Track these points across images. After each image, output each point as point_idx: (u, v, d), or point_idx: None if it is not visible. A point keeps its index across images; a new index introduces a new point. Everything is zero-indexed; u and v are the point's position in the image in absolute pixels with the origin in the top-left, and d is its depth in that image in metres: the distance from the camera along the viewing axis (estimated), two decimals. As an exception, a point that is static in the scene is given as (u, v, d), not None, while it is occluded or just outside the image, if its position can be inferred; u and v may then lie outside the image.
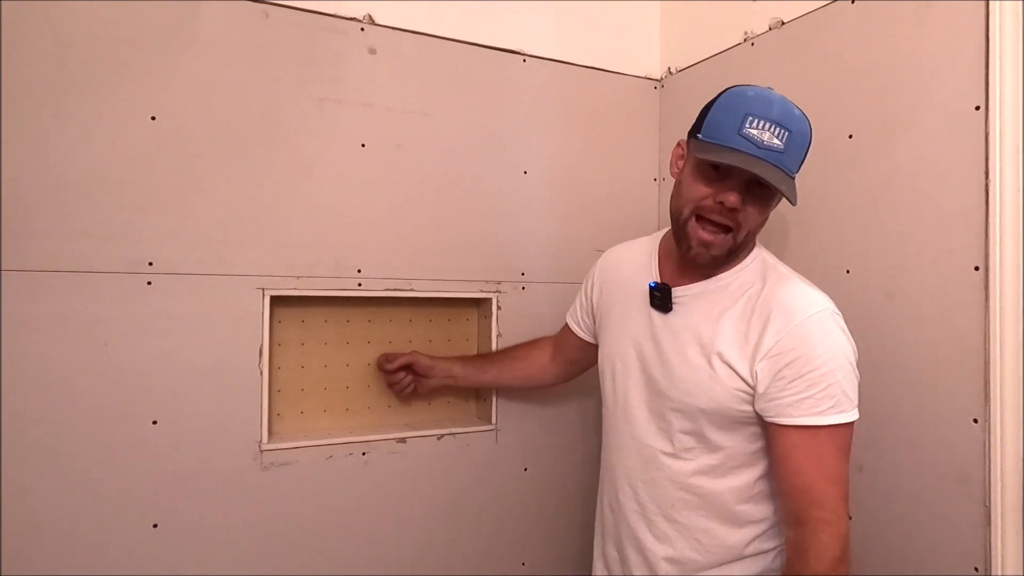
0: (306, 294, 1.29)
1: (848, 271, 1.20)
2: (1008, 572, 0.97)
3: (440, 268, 1.40)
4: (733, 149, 0.91)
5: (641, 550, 1.09)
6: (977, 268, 1.01)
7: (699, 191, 0.96)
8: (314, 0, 1.28)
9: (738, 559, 1.03)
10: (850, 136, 1.20)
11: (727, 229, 0.96)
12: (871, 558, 1.15)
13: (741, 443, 1.01)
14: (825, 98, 1.24)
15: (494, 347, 1.46)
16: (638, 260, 1.16)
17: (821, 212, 1.25)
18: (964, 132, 1.02)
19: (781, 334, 0.94)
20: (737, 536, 1.03)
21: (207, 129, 1.21)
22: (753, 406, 0.98)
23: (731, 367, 0.98)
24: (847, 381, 0.94)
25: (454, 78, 1.42)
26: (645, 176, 1.63)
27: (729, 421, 1.00)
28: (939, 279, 1.06)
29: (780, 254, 1.32)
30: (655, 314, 1.07)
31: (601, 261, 1.27)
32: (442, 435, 1.41)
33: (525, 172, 1.49)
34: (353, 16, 1.32)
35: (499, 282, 1.46)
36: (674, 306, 1.05)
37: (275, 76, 1.26)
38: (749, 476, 1.02)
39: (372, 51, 1.34)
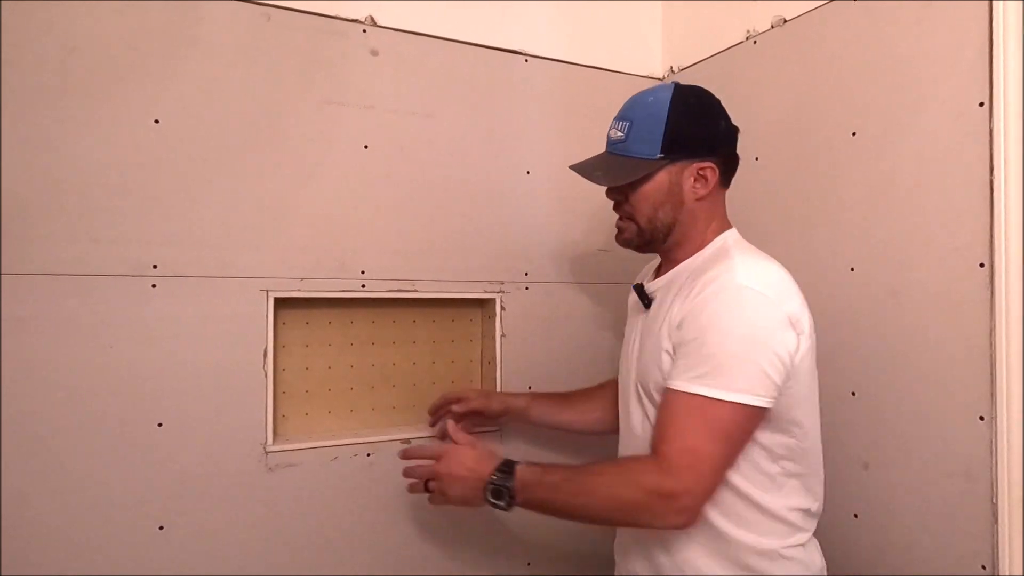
0: (310, 296, 1.29)
1: (853, 269, 1.19)
2: (1015, 570, 0.97)
3: (443, 269, 1.40)
4: (578, 162, 1.08)
5: (638, 540, 1.08)
6: (982, 265, 1.00)
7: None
8: (316, 1, 1.29)
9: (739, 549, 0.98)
10: (853, 134, 1.19)
11: (630, 219, 1.06)
12: (878, 556, 1.15)
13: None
14: (828, 96, 1.24)
15: (498, 348, 1.46)
16: (646, 269, 1.21)
17: (825, 210, 1.24)
18: (968, 129, 1.02)
19: (689, 306, 0.94)
20: (725, 522, 0.98)
21: (210, 132, 1.21)
22: None
23: (668, 351, 0.97)
24: (733, 357, 0.89)
25: (456, 79, 1.42)
26: (648, 175, 1.63)
27: None
28: (944, 276, 1.05)
29: (784, 252, 1.31)
30: (642, 315, 1.10)
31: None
32: (446, 436, 1.41)
33: (528, 172, 1.49)
34: (355, 18, 1.33)
35: (502, 282, 1.46)
36: (651, 302, 1.08)
37: (277, 79, 1.26)
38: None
39: (374, 53, 1.34)
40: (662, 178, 1.02)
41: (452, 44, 1.42)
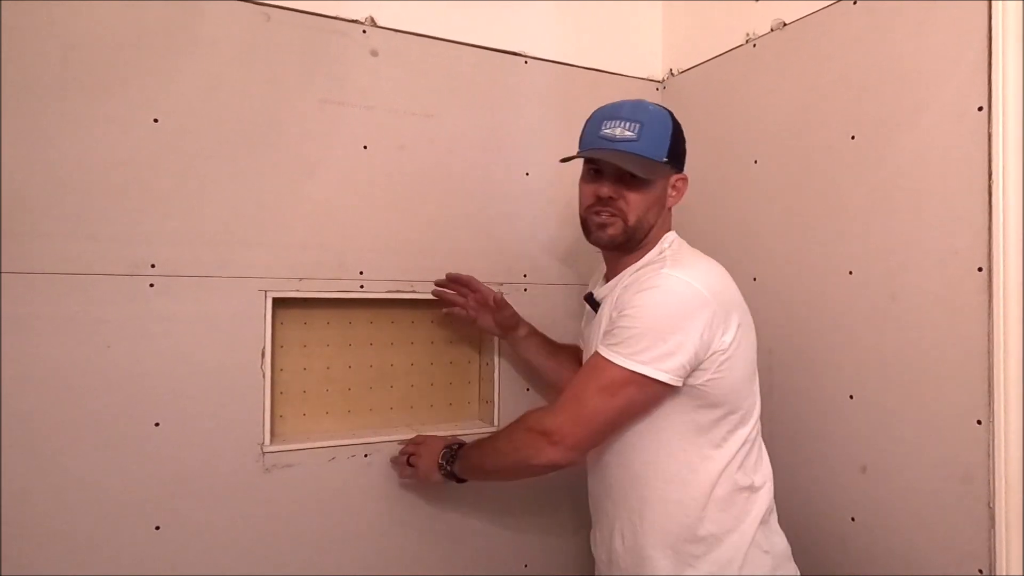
0: (308, 296, 1.29)
1: (851, 272, 1.20)
2: (1012, 573, 0.97)
3: (443, 270, 1.40)
4: (593, 149, 1.08)
5: (599, 529, 1.17)
6: (981, 269, 1.00)
7: (585, 191, 1.12)
8: (316, 1, 1.29)
9: (689, 541, 1.03)
10: (852, 137, 1.20)
11: (618, 215, 1.08)
12: (875, 559, 1.15)
13: (654, 419, 1.03)
14: (827, 99, 1.24)
15: (496, 349, 1.46)
16: (597, 273, 1.26)
17: (824, 213, 1.25)
18: (967, 133, 1.02)
19: (625, 295, 1.03)
20: (674, 518, 1.03)
21: (209, 131, 1.21)
22: None
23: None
24: (644, 332, 0.96)
25: (456, 80, 1.42)
26: (647, 177, 1.63)
27: None
28: (943, 280, 1.06)
29: (783, 255, 1.32)
30: (593, 317, 1.16)
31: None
32: (445, 437, 1.41)
33: (527, 173, 1.49)
34: (355, 18, 1.33)
35: (501, 283, 1.46)
36: (599, 305, 1.14)
37: (277, 78, 1.26)
38: (661, 435, 1.04)
39: (374, 53, 1.34)
40: (660, 183, 1.09)
41: (452, 45, 1.42)
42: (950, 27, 1.05)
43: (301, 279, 1.28)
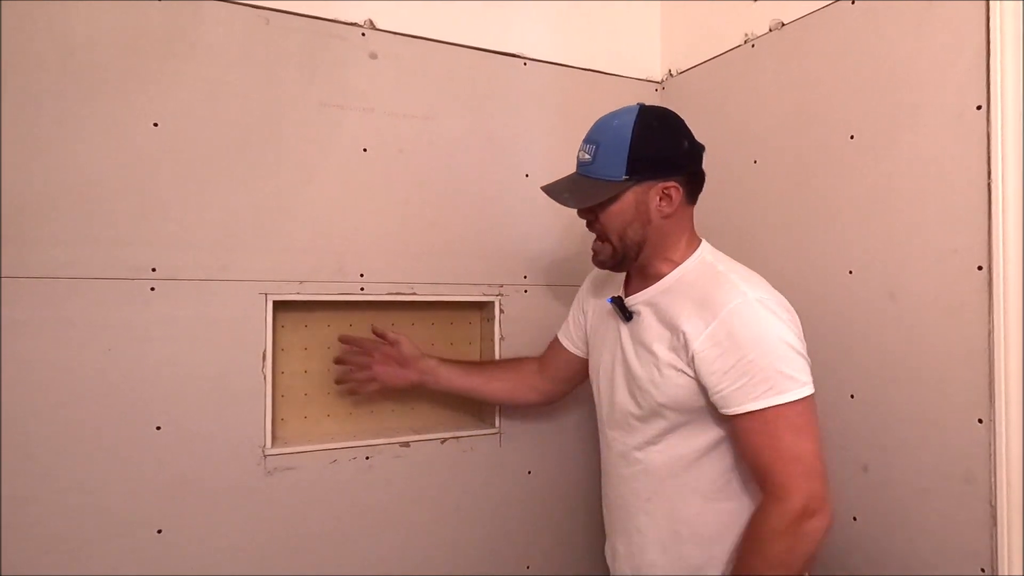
0: (309, 299, 1.29)
1: (851, 272, 1.19)
2: (1014, 572, 0.97)
3: (442, 272, 1.40)
4: (545, 184, 1.12)
5: (628, 544, 1.14)
6: (980, 268, 1.00)
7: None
8: (315, 2, 1.29)
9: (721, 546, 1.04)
10: (851, 137, 1.20)
11: (603, 239, 1.09)
12: (876, 558, 1.15)
13: (706, 431, 1.04)
14: (826, 99, 1.24)
15: (497, 350, 1.46)
16: (612, 279, 1.23)
17: (823, 213, 1.25)
18: (966, 132, 1.02)
19: (707, 329, 0.98)
20: (714, 527, 1.05)
21: (209, 135, 1.21)
22: (707, 396, 1.01)
23: (673, 365, 1.02)
24: (781, 362, 0.95)
25: (455, 82, 1.42)
26: (647, 178, 1.63)
27: (690, 411, 1.04)
28: (942, 279, 1.06)
29: (783, 255, 1.32)
30: (621, 325, 1.13)
31: (586, 282, 1.33)
32: (445, 439, 1.41)
33: (527, 175, 1.49)
34: (354, 21, 1.33)
35: (501, 285, 1.46)
36: (632, 314, 1.11)
37: (276, 82, 1.26)
38: (719, 464, 1.05)
39: (373, 56, 1.34)
40: (628, 198, 1.05)
41: (451, 47, 1.42)
42: (948, 26, 1.05)
43: (302, 282, 1.28)
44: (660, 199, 1.05)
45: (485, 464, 1.44)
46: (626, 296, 1.14)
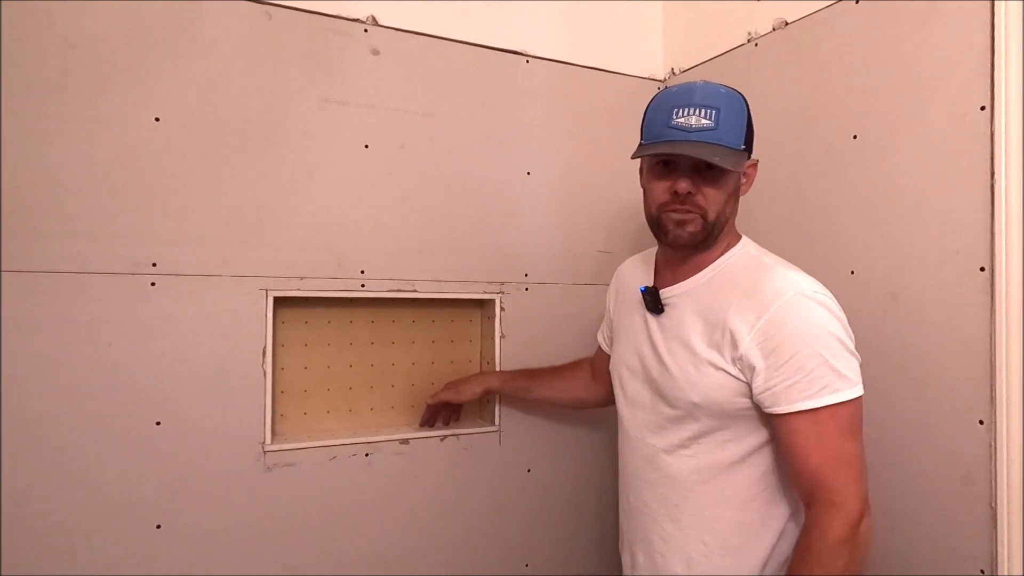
0: (309, 295, 1.29)
1: (853, 272, 1.19)
2: (1014, 573, 0.97)
3: (443, 269, 1.40)
4: (666, 141, 0.97)
5: (649, 552, 1.09)
6: (983, 269, 1.00)
7: (656, 188, 1.02)
8: (317, 0, 1.28)
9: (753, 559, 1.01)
10: (855, 137, 1.19)
11: (699, 210, 1.00)
12: (877, 559, 1.15)
13: (740, 438, 1.00)
14: (829, 99, 1.24)
15: (497, 349, 1.46)
16: (639, 269, 1.19)
17: (826, 213, 1.24)
18: (969, 132, 1.02)
19: (760, 323, 0.94)
20: (744, 537, 1.01)
21: (210, 130, 1.21)
22: (749, 398, 0.97)
23: (713, 363, 0.98)
24: (837, 359, 0.92)
25: (457, 79, 1.42)
26: (648, 177, 1.63)
27: (726, 415, 0.99)
28: (944, 280, 1.05)
29: (785, 254, 1.32)
30: (650, 317, 1.09)
31: (615, 275, 1.28)
32: (445, 436, 1.41)
33: (528, 173, 1.49)
34: (356, 17, 1.32)
35: (502, 283, 1.46)
36: (665, 307, 1.06)
37: (278, 77, 1.26)
38: (752, 472, 1.01)
39: (375, 52, 1.34)
40: (737, 173, 1.01)
41: (453, 44, 1.41)
42: (952, 26, 1.05)
43: (302, 278, 1.28)
44: (744, 177, 1.02)
45: (484, 462, 1.44)
46: (660, 288, 1.08)
